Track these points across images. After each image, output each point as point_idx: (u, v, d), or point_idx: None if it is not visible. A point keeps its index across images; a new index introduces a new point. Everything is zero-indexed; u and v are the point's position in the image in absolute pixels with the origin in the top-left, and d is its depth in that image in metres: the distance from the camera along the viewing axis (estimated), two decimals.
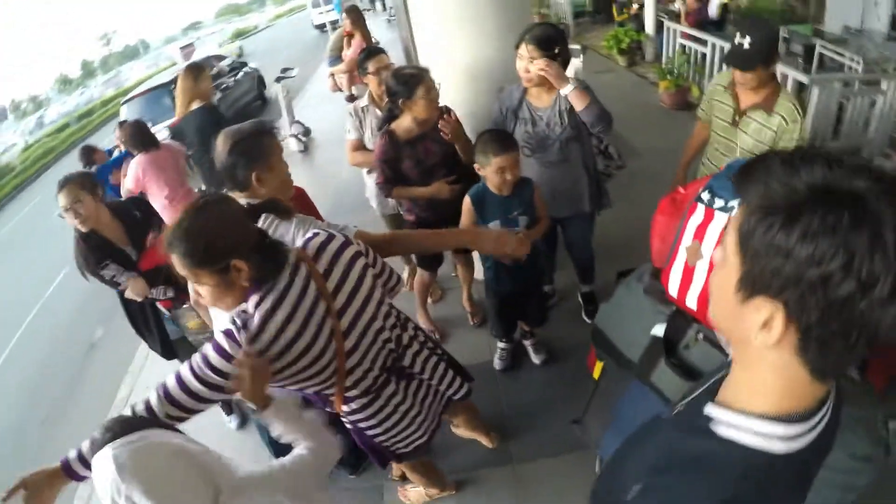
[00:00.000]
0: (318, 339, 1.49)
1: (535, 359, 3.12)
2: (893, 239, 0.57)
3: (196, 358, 1.43)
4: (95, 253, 2.71)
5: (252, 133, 1.88)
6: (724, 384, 0.81)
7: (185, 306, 2.91)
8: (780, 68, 4.80)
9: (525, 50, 2.45)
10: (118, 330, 5.82)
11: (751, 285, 0.66)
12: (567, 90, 2.46)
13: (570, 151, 2.68)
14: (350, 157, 3.28)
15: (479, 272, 3.38)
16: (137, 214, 2.85)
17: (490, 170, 2.37)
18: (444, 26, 2.98)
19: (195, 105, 4.03)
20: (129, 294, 2.77)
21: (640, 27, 8.56)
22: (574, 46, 4.16)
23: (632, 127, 5.81)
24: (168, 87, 8.85)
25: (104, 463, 1.08)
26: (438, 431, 2.05)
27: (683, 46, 6.92)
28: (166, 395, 1.42)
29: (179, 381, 1.42)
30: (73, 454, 1.38)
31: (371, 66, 3.21)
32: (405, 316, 1.94)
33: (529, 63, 2.45)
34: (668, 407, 0.99)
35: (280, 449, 2.75)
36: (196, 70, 4.14)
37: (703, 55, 6.43)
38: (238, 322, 1.41)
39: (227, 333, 1.41)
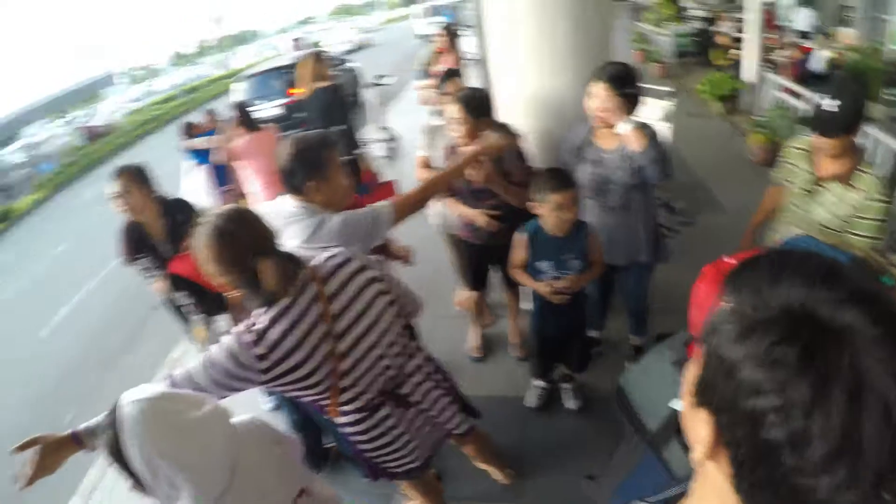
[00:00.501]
0: (314, 357, 1.59)
1: (569, 403, 3.07)
2: (843, 399, 0.47)
3: (207, 353, 1.57)
4: (134, 244, 2.94)
5: (315, 144, 1.99)
6: (686, 494, 0.73)
7: (197, 317, 3.01)
8: (879, 136, 4.57)
9: (596, 88, 2.41)
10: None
11: (700, 392, 0.60)
12: (623, 129, 2.38)
13: (631, 198, 2.62)
14: (417, 172, 3.40)
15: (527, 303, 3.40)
16: (179, 218, 2.95)
17: (546, 207, 2.37)
18: (515, 55, 2.99)
19: (319, 85, 4.65)
20: (154, 289, 2.99)
21: (740, 75, 8.22)
22: (665, 89, 4.14)
23: (717, 179, 5.66)
24: (280, 71, 9.81)
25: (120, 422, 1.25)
26: (435, 458, 2.09)
27: (781, 99, 6.62)
28: (173, 385, 1.56)
29: (187, 372, 1.56)
30: (82, 427, 1.55)
31: (448, 88, 3.34)
32: (416, 345, 1.99)
33: (602, 102, 2.40)
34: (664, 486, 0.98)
35: (304, 435, 2.93)
36: (320, 56, 4.90)
37: (801, 111, 6.07)
38: (247, 324, 1.55)
39: (236, 333, 1.55)
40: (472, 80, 4.13)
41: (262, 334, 1.53)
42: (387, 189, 3.90)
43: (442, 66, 5.57)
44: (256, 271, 1.50)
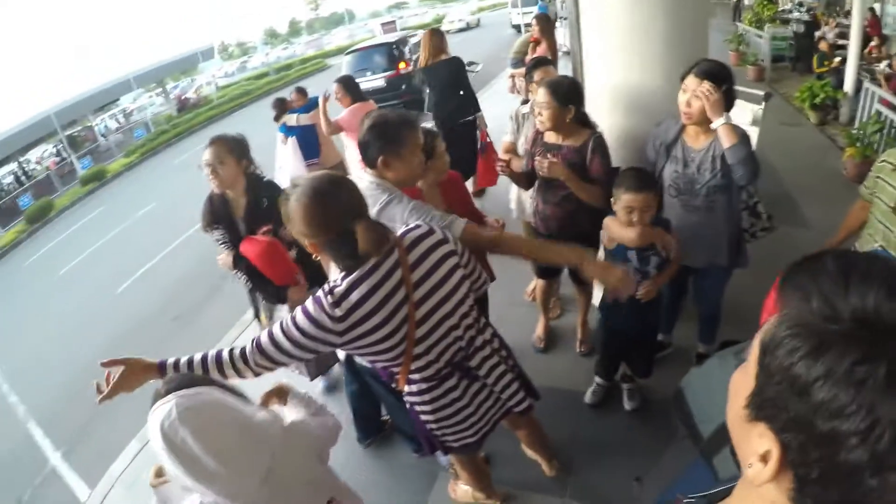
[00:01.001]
0: (392, 320, 1.63)
1: (627, 404, 3.04)
2: None
3: (287, 317, 1.64)
4: (214, 213, 2.89)
5: (394, 121, 2.06)
6: (725, 500, 0.72)
7: (261, 301, 3.16)
8: None
9: (690, 84, 2.38)
10: None
11: (757, 407, 0.57)
12: (719, 123, 2.33)
13: (716, 200, 2.56)
14: (502, 157, 3.48)
15: (597, 298, 3.39)
16: (265, 199, 2.85)
17: (619, 206, 2.37)
18: (606, 48, 2.96)
19: (442, 57, 5.16)
20: (219, 260, 2.98)
21: (839, 84, 7.69)
22: (755, 92, 3.99)
23: (804, 191, 5.41)
24: (381, 48, 11.27)
25: (166, 407, 1.27)
26: (490, 435, 2.11)
27: (879, 113, 6.13)
28: (258, 345, 1.66)
29: (270, 334, 1.66)
30: (171, 360, 1.70)
31: (537, 76, 3.33)
32: (486, 321, 2.03)
33: (693, 97, 2.36)
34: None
35: (362, 405, 3.04)
36: (440, 32, 5.38)
37: None
38: (326, 288, 1.60)
39: (316, 297, 1.60)
40: (564, 71, 4.14)
41: (342, 296, 1.58)
42: (489, 149, 4.61)
43: (536, 55, 5.61)
44: (346, 234, 1.55)
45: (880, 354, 0.46)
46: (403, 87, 10.41)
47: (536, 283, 3.47)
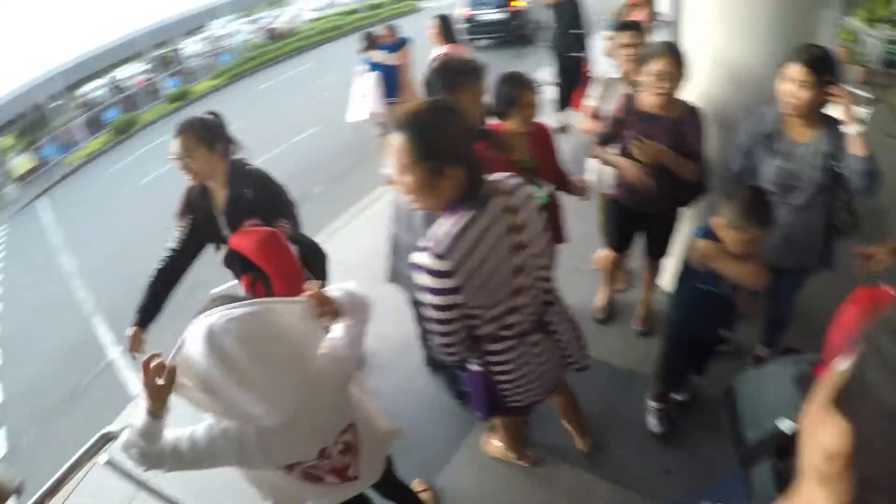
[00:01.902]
0: (501, 269, 1.58)
1: (676, 394, 2.89)
2: None
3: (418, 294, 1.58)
4: (189, 205, 2.56)
5: (459, 66, 2.14)
6: None
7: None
8: None
9: (795, 72, 2.18)
10: (329, 193, 6.89)
11: (845, 401, 0.55)
12: (854, 129, 2.15)
13: (816, 199, 2.39)
14: (583, 121, 3.39)
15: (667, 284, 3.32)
16: (248, 192, 2.47)
17: (730, 236, 2.05)
18: (708, 19, 2.81)
19: None
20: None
21: None
22: (862, 94, 3.70)
23: None
24: None
25: (217, 314, 1.35)
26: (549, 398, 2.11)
27: None
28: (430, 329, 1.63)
29: (427, 317, 1.60)
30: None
31: (624, 40, 3.19)
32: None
33: (799, 87, 2.18)
34: None
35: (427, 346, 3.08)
36: None
37: None
38: (431, 242, 1.50)
39: (420, 267, 1.51)
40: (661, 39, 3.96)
41: (449, 247, 1.48)
42: (587, 82, 4.30)
43: (633, 19, 5.48)
44: (464, 164, 1.48)
45: None
46: (516, 22, 11.09)
47: (605, 253, 3.43)
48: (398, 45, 5.76)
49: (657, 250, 3.15)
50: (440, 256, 1.46)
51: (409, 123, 1.45)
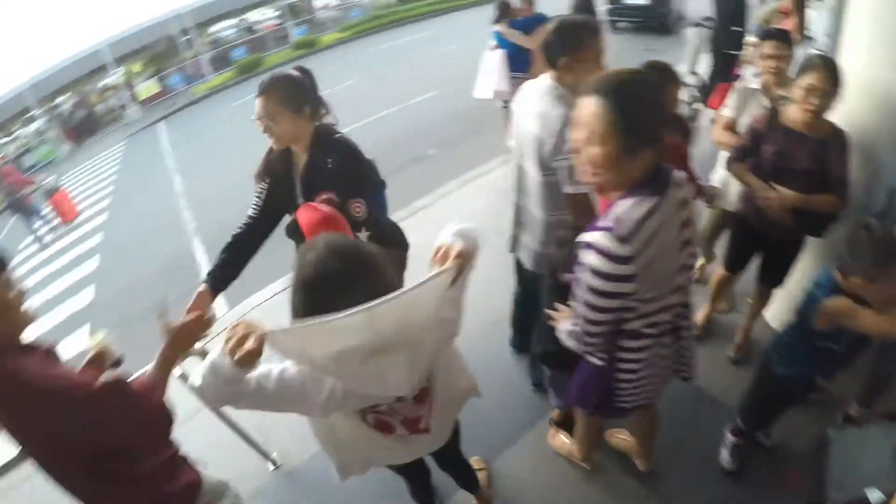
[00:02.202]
0: (670, 265, 1.49)
1: (761, 436, 2.66)
2: None
3: (583, 279, 1.45)
4: (268, 166, 2.44)
5: (579, 24, 2.06)
6: None
7: None
8: None
9: None
10: (443, 156, 6.96)
11: None
12: None
13: None
14: (715, 132, 3.10)
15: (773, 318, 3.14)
16: (329, 161, 2.27)
17: (861, 286, 1.74)
18: (870, 45, 2.55)
19: None
20: None
21: None
22: None
23: None
24: None
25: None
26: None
27: None
28: (581, 317, 1.53)
29: (585, 303, 1.49)
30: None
31: (766, 50, 2.96)
32: None
33: None
34: None
35: (519, 323, 3.05)
36: None
37: None
38: (611, 222, 1.38)
39: (593, 246, 1.40)
40: (809, 51, 3.64)
41: (632, 231, 1.37)
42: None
43: (781, 28, 5.17)
44: (641, 151, 1.37)
45: None
46: (659, 9, 10.92)
47: (716, 270, 3.23)
48: (533, 21, 5.48)
49: (773, 278, 2.92)
50: (622, 239, 1.35)
51: (616, 91, 1.33)
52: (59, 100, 21.56)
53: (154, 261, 7.11)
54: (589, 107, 1.35)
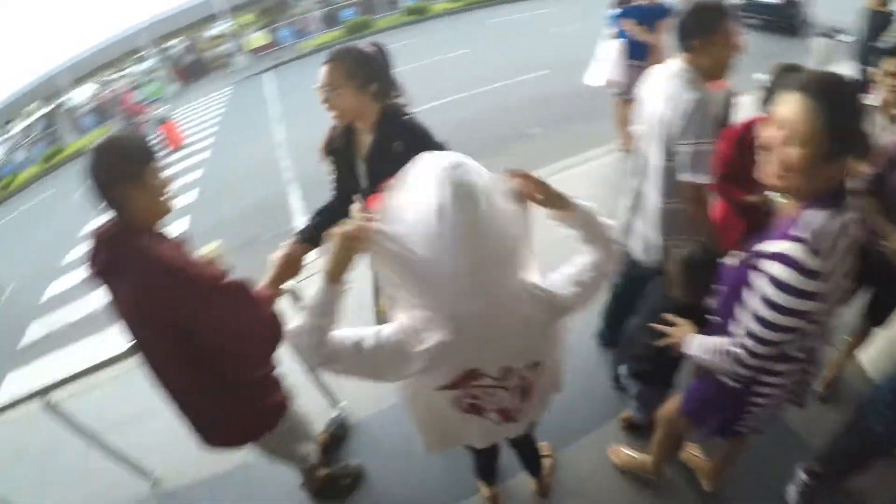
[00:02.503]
0: (845, 282, 1.39)
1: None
2: None
3: (762, 293, 1.37)
4: (330, 144, 2.37)
5: (714, 6, 2.06)
6: None
7: None
8: None
9: None
10: (548, 137, 6.87)
11: None
12: None
13: None
14: None
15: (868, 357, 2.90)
16: (399, 145, 2.13)
17: None
18: None
19: (883, 8, 5.42)
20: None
21: None
22: None
23: None
24: None
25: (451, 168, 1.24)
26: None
27: None
28: (748, 334, 1.44)
29: (759, 319, 1.40)
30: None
31: (889, 66, 2.68)
32: None
33: None
34: None
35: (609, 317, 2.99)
36: None
37: None
38: (806, 233, 1.30)
39: (784, 259, 1.31)
40: None
41: (833, 242, 1.30)
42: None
43: None
44: (838, 161, 1.30)
45: None
46: (790, 11, 10.70)
47: None
48: (654, 13, 5.09)
49: (880, 315, 2.70)
50: (817, 253, 1.27)
51: (826, 93, 1.26)
52: (170, 42, 22.70)
53: (248, 202, 7.42)
54: (794, 105, 1.27)
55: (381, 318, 2.27)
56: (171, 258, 1.59)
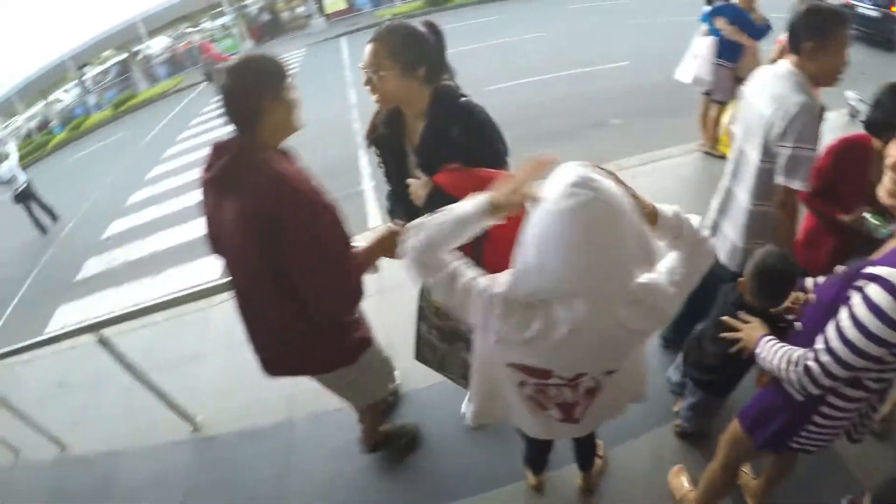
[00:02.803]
0: None
1: None
2: None
3: (853, 311, 1.32)
4: (374, 130, 2.23)
5: (830, 11, 2.01)
6: None
7: None
8: None
9: None
10: (626, 129, 6.83)
11: None
12: None
13: None
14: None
15: None
16: (456, 130, 1.95)
17: None
18: None
19: None
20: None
21: None
22: None
23: None
24: None
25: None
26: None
27: None
28: (828, 350, 1.39)
29: (844, 339, 1.35)
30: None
31: None
32: None
33: None
34: None
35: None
36: None
37: None
38: None
39: (885, 282, 1.26)
40: None
41: None
42: None
43: None
44: None
45: None
46: (887, 25, 10.30)
47: None
48: (747, 21, 4.94)
49: None
50: None
51: None
52: (247, 1, 23.30)
53: (318, 161, 7.42)
54: None
55: (428, 326, 2.41)
56: (293, 175, 1.71)
